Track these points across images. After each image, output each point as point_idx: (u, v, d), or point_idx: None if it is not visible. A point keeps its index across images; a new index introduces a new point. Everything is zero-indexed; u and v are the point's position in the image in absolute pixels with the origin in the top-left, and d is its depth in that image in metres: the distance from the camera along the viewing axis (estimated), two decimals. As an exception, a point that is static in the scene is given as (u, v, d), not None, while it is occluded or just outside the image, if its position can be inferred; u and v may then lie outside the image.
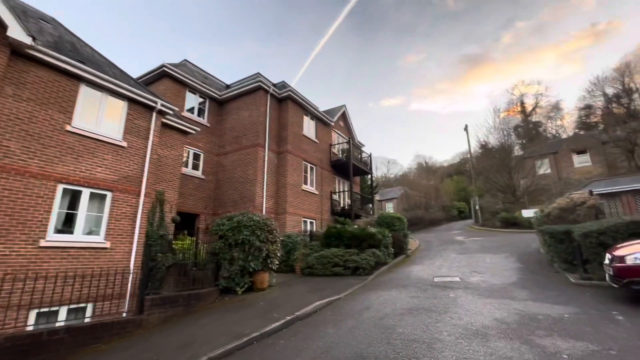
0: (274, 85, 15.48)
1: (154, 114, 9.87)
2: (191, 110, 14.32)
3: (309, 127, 16.66)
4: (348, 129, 20.96)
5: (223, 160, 14.63)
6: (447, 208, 34.82)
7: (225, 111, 15.41)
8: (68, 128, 7.76)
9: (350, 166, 16.94)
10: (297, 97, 15.35)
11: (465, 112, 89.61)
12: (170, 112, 10.30)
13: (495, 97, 74.94)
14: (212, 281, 7.75)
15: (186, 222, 14.94)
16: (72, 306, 7.17)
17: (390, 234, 11.72)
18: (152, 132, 9.72)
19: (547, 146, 35.21)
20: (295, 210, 14.16)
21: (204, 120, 14.66)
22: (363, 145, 20.75)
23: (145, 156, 9.47)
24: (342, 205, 18.04)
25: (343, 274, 9.46)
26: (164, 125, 11.07)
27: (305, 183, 15.53)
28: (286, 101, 15.28)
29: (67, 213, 7.71)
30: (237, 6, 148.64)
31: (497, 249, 12.86)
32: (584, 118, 56.81)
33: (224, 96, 15.15)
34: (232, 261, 7.58)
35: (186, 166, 13.55)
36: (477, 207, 25.99)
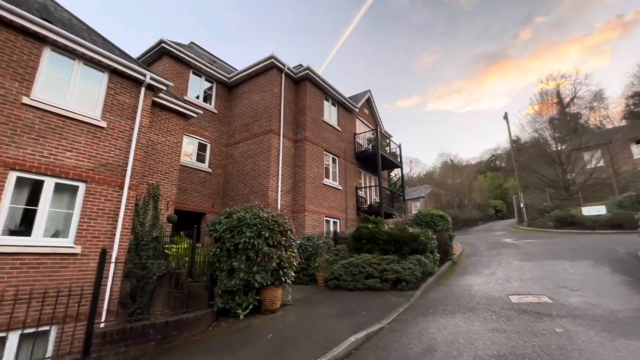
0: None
1: (143, 90, 8.09)
2: (196, 95, 12.57)
3: (330, 113, 14.54)
4: (373, 117, 18.66)
5: (232, 151, 12.78)
6: (483, 207, 31.55)
7: (234, 96, 13.57)
8: (25, 100, 6.04)
9: (378, 157, 14.65)
10: (316, 78, 13.28)
11: (484, 110, 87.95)
12: (163, 87, 8.49)
13: (515, 94, 72.64)
14: (206, 300, 5.76)
15: (189, 221, 13.20)
16: (27, 330, 5.43)
17: (434, 236, 9.35)
18: (139, 111, 7.93)
19: (596, 137, 31.10)
20: (316, 208, 12.06)
21: (210, 107, 12.88)
22: (391, 136, 18.36)
23: (130, 140, 7.68)
24: (369, 202, 15.75)
25: (380, 288, 7.23)
26: (158, 106, 9.30)
27: (327, 177, 13.41)
28: (304, 83, 13.24)
29: (25, 209, 5.99)
30: (251, 8, 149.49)
31: (570, 254, 10.16)
32: (632, 107, 51.24)
33: (233, 79, 13.32)
34: (232, 273, 5.56)
35: (190, 158, 11.79)
36: (521, 205, 22.84)
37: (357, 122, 16.83)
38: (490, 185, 36.33)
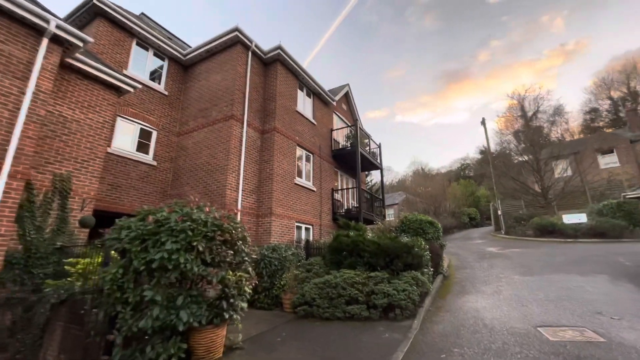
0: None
1: (45, 42, 5.84)
2: (142, 72, 10.24)
3: (304, 104, 12.74)
4: (352, 114, 17.12)
5: (185, 142, 10.55)
6: (457, 215, 31.05)
7: (191, 76, 11.38)
8: None
9: (357, 156, 13.01)
10: (289, 60, 11.44)
11: (447, 124, 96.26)
12: (79, 43, 6.25)
13: (475, 110, 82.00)
14: (98, 350, 3.62)
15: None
16: None
17: (427, 246, 7.73)
18: (37, 69, 5.67)
19: (565, 147, 31.89)
20: (285, 212, 10.10)
21: (159, 87, 10.59)
22: (370, 135, 16.86)
23: (18, 109, 5.40)
24: (346, 206, 14.03)
25: (366, 317, 5.40)
26: (77, 72, 6.99)
27: (300, 176, 11.53)
28: (274, 65, 11.35)
29: None
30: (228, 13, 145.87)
31: (574, 267, 8.98)
32: (589, 122, 54.83)
33: (189, 56, 11.14)
34: (139, 307, 3.48)
35: (129, 147, 9.42)
36: (499, 213, 22.24)
37: (334, 117, 15.16)
38: (464, 192, 36.18)
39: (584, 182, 22.28)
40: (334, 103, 14.61)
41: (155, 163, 9.97)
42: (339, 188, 14.14)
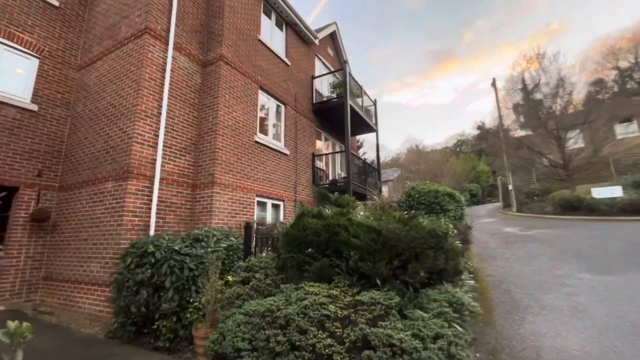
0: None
1: None
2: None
3: (272, 34, 9.19)
4: (340, 62, 13.58)
5: (87, 77, 7.05)
6: (458, 191, 28.26)
7: (99, -17, 7.69)
8: None
9: (346, 109, 9.68)
10: (246, -37, 7.80)
11: (434, 104, 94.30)
12: None
13: (461, 90, 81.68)
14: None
15: None
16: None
17: (455, 231, 4.61)
18: None
19: (573, 117, 28.91)
20: (238, 181, 6.86)
21: (43, -8, 6.93)
22: (362, 87, 13.29)
23: None
24: (332, 177, 10.87)
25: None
26: None
27: (265, 132, 8.21)
28: (225, -30, 7.69)
29: None
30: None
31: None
32: (594, 93, 51.98)
33: (93, -50, 7.41)
34: None
35: (-19, 78, 5.91)
36: (510, 188, 19.42)
37: (317, 62, 11.65)
38: (464, 167, 33.31)
39: (607, 154, 19.45)
40: (316, 42, 11.06)
41: (35, 107, 6.49)
42: (322, 153, 10.89)
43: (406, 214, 3.66)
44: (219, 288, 3.68)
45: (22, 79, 6.45)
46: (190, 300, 3.84)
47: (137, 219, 5.41)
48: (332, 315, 2.61)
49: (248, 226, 4.41)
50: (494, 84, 21.03)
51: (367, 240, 3.05)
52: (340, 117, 10.29)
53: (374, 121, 12.61)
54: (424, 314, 2.64)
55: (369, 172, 11.40)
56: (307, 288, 2.98)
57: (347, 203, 4.36)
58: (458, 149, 56.50)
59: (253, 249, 4.48)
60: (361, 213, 4.70)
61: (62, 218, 6.35)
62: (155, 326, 3.83)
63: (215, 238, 4.55)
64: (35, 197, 6.35)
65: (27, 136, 6.36)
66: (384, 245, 3.02)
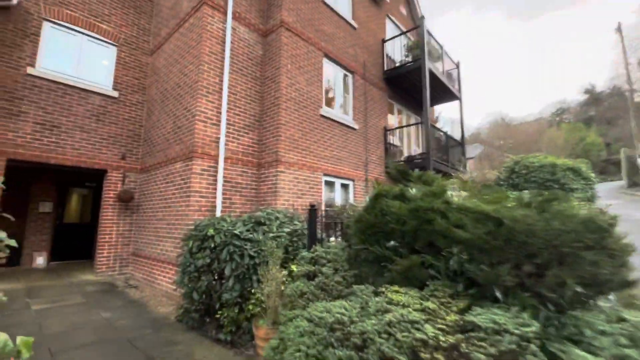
0: None
1: None
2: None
3: (337, -5, 8.19)
4: (413, 20, 11.85)
5: (158, 61, 7.17)
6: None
7: (164, -36, 7.67)
8: None
9: (424, 74, 8.26)
10: None
11: (520, 72, 76.13)
12: None
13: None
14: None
15: (74, 185, 8.30)
16: None
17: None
18: None
19: None
20: (303, 159, 6.30)
21: (116, -20, 7.14)
22: (443, 47, 11.33)
23: None
24: (406, 153, 9.65)
25: None
26: None
27: (330, 105, 7.45)
28: None
29: None
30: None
31: None
32: None
33: None
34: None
35: (72, 71, 6.38)
36: (639, 161, 15.25)
37: (388, 23, 10.25)
38: (568, 139, 27.71)
39: None
40: (388, 0, 9.66)
41: (116, 94, 6.85)
42: (396, 127, 9.69)
43: (540, 194, 2.52)
44: (281, 279, 3.14)
45: (103, 67, 6.81)
46: (252, 291, 3.41)
47: (203, 199, 5.27)
48: (431, 341, 1.78)
49: (313, 209, 3.77)
50: (619, 30, 16.34)
51: (479, 233, 2.08)
52: (415, 84, 8.91)
53: (457, 87, 10.78)
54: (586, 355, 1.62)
55: (451, 146, 9.80)
56: (390, 295, 2.19)
57: (434, 182, 3.37)
58: (558, 119, 47.78)
59: (319, 235, 3.85)
60: (453, 194, 3.64)
61: (144, 198, 6.69)
62: (218, 315, 3.52)
63: (278, 221, 4.05)
64: (121, 178, 6.79)
65: (111, 121, 6.76)
66: (507, 242, 2.02)
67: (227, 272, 3.43)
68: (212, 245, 3.60)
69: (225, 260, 3.47)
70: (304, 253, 3.38)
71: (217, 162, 5.50)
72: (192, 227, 4.20)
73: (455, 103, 11.15)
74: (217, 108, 5.67)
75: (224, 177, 5.56)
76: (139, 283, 6.12)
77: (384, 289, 2.30)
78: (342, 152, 7.37)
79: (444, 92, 10.30)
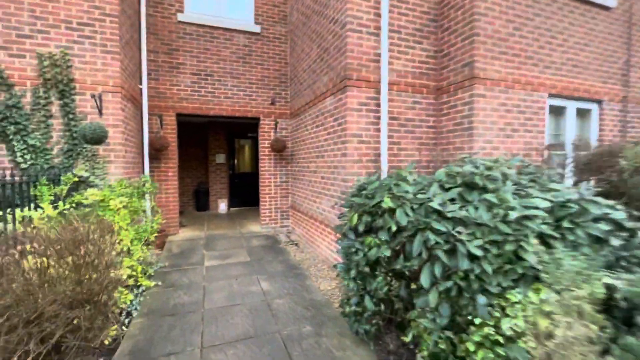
0: None
1: None
2: None
3: None
4: None
5: (296, -25, 5.75)
6: None
7: None
8: None
9: None
10: None
11: None
12: None
13: None
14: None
15: (227, 137, 8.16)
16: None
17: None
18: None
19: None
20: (514, 70, 3.75)
21: None
22: None
23: None
24: None
25: None
26: None
27: (562, -30, 4.19)
28: None
29: None
30: None
31: None
32: None
33: None
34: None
35: (212, 6, 5.83)
36: None
37: None
38: None
39: None
40: None
41: (258, 29, 6.00)
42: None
43: None
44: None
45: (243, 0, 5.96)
46: (476, 322, 1.72)
47: (363, 145, 3.79)
48: None
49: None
50: None
51: None
52: None
53: None
54: None
55: None
56: None
57: None
58: None
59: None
60: None
61: (296, 147, 5.92)
62: (407, 340, 2.08)
63: (510, 183, 2.06)
64: (272, 126, 6.20)
65: (257, 62, 6.05)
66: None
67: (423, 281, 1.84)
68: (392, 226, 2.04)
69: (420, 257, 1.87)
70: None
71: (378, 90, 3.80)
72: (353, 188, 2.77)
73: None
74: (374, 8, 3.79)
75: (388, 111, 3.85)
76: (299, 239, 5.61)
77: None
78: (581, 52, 4.22)
79: None
